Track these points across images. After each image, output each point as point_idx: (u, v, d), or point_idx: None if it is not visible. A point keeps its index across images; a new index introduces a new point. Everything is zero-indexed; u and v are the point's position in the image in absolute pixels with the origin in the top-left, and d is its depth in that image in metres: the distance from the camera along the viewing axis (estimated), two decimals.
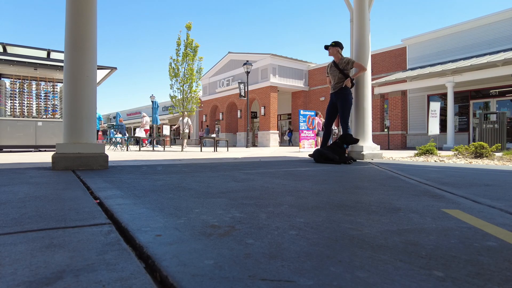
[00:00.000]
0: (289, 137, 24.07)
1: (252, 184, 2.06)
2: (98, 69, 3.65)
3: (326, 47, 5.02)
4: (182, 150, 11.24)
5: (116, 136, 14.39)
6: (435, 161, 4.87)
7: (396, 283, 0.62)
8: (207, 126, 28.45)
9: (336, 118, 5.18)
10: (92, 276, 0.64)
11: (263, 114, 22.15)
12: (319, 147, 4.37)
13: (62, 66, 4.87)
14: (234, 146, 23.34)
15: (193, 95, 12.52)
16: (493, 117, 10.79)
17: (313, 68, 22.55)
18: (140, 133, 13.28)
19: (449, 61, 14.23)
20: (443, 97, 14.87)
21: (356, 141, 4.61)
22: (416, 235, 0.95)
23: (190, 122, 13.14)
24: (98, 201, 1.47)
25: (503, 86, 13.41)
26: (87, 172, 2.75)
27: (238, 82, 22.08)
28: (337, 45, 4.97)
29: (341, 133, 4.81)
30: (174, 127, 15.21)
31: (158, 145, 13.74)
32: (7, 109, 9.30)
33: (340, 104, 4.92)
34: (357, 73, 5.00)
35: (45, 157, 5.26)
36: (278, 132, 22.60)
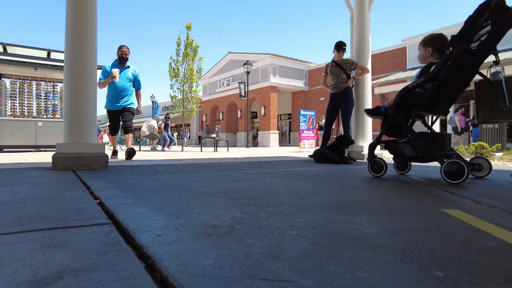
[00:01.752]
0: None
1: (252, 184, 2.06)
2: (98, 69, 3.65)
3: (339, 47, 4.95)
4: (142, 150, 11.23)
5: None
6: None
7: (397, 283, 0.62)
8: (207, 126, 28.46)
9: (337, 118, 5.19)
10: (92, 276, 0.64)
11: (263, 114, 22.16)
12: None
13: (62, 66, 4.86)
14: (234, 146, 23.35)
15: (193, 95, 12.50)
16: None
17: (313, 68, 22.56)
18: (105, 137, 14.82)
19: None
20: None
21: (352, 142, 4.62)
22: (416, 235, 0.95)
23: (155, 125, 12.04)
24: (98, 201, 1.47)
25: None
26: (87, 172, 2.75)
27: (238, 82, 22.09)
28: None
29: (341, 134, 4.82)
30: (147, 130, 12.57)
31: (159, 145, 13.73)
32: (7, 109, 9.30)
33: (344, 104, 4.92)
34: (360, 74, 5.00)
35: (45, 157, 5.27)
36: (278, 132, 22.60)
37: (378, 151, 5.18)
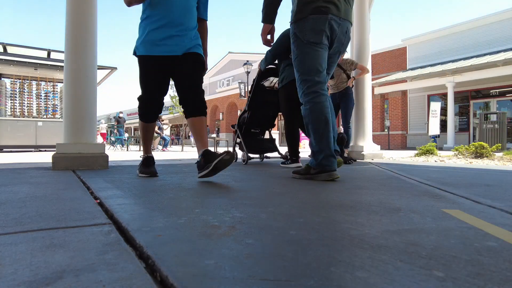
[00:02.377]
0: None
1: (252, 184, 2.06)
2: (98, 69, 3.64)
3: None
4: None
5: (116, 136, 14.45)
6: (435, 161, 4.87)
7: (396, 283, 0.62)
8: (207, 126, 28.45)
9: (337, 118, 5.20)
10: (92, 276, 0.64)
11: None
12: None
13: (62, 66, 4.85)
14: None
15: None
16: (493, 117, 10.80)
17: None
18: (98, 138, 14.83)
19: (449, 61, 14.23)
20: (443, 97, 14.87)
21: (344, 139, 4.66)
22: (416, 235, 0.95)
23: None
24: (98, 201, 1.47)
25: (503, 86, 13.41)
26: (87, 172, 2.75)
27: (238, 82, 22.10)
28: None
29: (341, 133, 4.82)
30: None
31: (159, 145, 13.75)
32: (7, 109, 9.31)
33: (344, 104, 4.93)
34: (361, 74, 5.00)
35: (46, 157, 5.27)
36: (278, 132, 22.59)
37: (378, 151, 5.19)
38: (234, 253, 0.77)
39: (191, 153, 8.99)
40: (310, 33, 2.24)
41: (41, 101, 9.74)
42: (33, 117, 9.38)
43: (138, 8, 2.40)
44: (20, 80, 9.46)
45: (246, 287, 0.60)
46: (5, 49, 9.03)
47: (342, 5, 2.28)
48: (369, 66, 5.13)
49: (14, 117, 9.15)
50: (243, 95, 21.25)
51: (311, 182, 2.23)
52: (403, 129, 16.25)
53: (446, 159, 5.16)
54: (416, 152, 6.31)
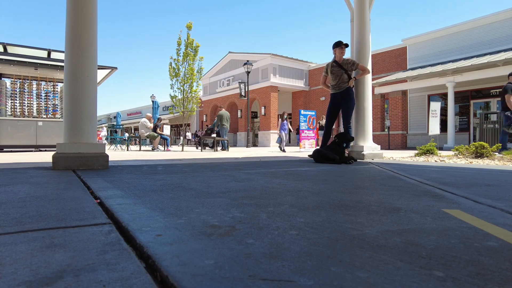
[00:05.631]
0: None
1: (252, 184, 2.06)
2: (98, 69, 3.65)
3: (338, 45, 4.96)
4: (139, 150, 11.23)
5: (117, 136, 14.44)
6: (436, 161, 4.86)
7: (397, 283, 0.62)
8: (207, 126, 28.45)
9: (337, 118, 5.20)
10: (92, 276, 0.64)
11: (263, 114, 22.13)
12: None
13: (62, 66, 4.85)
14: (235, 146, 23.34)
15: (193, 95, 12.51)
16: (493, 117, 10.79)
17: (313, 68, 22.54)
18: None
19: (449, 61, 14.22)
20: (443, 97, 14.86)
21: (353, 138, 4.73)
22: (416, 235, 0.95)
23: (147, 124, 11.56)
24: (98, 201, 1.47)
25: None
26: (87, 172, 2.75)
27: (239, 82, 22.09)
28: (345, 46, 4.99)
29: (340, 132, 4.82)
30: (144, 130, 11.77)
31: (159, 145, 13.74)
32: (7, 109, 9.30)
33: (345, 104, 4.92)
34: (361, 74, 4.99)
35: (46, 157, 5.27)
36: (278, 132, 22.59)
37: (378, 151, 5.18)
38: (234, 253, 0.77)
39: (191, 153, 8.99)
40: None
41: (41, 101, 9.74)
42: (33, 117, 9.38)
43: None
44: (20, 80, 9.46)
45: (246, 287, 0.60)
46: (5, 49, 9.02)
47: None
48: (369, 66, 5.12)
49: (14, 117, 9.15)
50: (243, 95, 21.24)
51: (310, 182, 2.23)
52: (403, 129, 16.24)
53: (447, 159, 5.16)
54: (416, 152, 6.30)
